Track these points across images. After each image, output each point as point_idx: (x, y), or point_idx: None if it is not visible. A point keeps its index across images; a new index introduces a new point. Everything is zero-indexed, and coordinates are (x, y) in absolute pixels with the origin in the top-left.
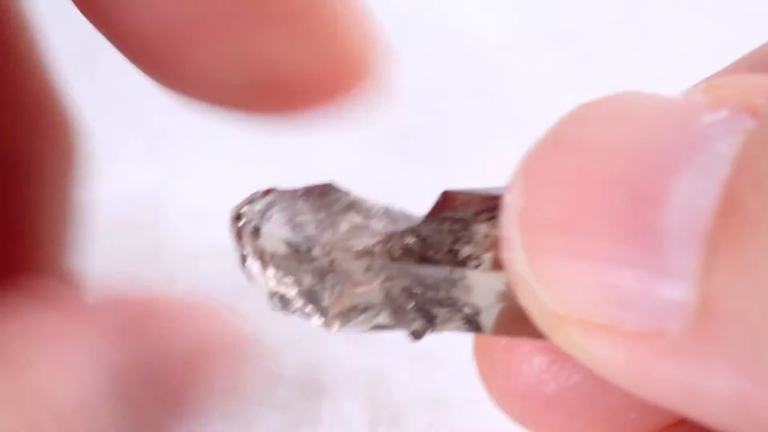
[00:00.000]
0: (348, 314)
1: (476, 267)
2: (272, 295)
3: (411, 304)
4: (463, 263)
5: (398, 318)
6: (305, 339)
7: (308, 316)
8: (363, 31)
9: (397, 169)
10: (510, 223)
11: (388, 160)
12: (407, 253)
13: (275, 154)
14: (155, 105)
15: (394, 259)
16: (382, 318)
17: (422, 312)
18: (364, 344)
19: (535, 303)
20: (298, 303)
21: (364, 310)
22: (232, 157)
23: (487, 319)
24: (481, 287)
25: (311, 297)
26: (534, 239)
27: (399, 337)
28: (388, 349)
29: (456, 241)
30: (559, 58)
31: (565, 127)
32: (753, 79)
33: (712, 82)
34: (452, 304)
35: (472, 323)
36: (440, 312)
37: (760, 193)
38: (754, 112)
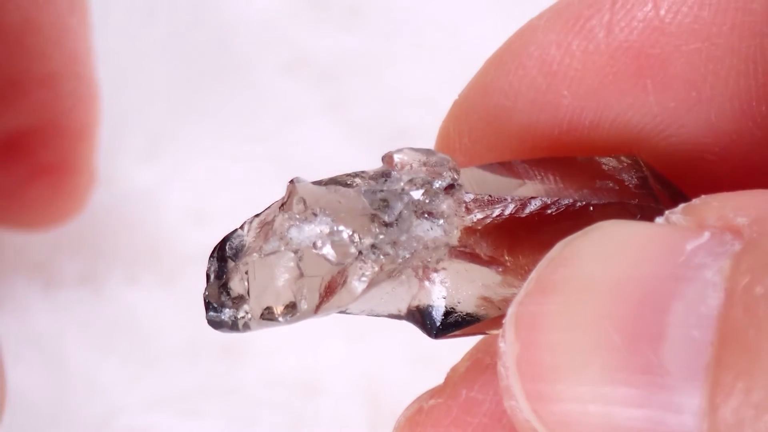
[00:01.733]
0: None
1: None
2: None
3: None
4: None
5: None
6: (305, 339)
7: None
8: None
9: None
10: (508, 372)
11: None
12: None
13: (274, 154)
14: (155, 105)
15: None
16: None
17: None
18: (364, 345)
19: None
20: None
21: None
22: (231, 158)
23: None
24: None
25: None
26: (534, 387)
27: (399, 337)
28: (388, 350)
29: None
30: None
31: (551, 270)
32: (730, 197)
33: (690, 204)
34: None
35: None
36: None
37: (755, 320)
38: (736, 232)
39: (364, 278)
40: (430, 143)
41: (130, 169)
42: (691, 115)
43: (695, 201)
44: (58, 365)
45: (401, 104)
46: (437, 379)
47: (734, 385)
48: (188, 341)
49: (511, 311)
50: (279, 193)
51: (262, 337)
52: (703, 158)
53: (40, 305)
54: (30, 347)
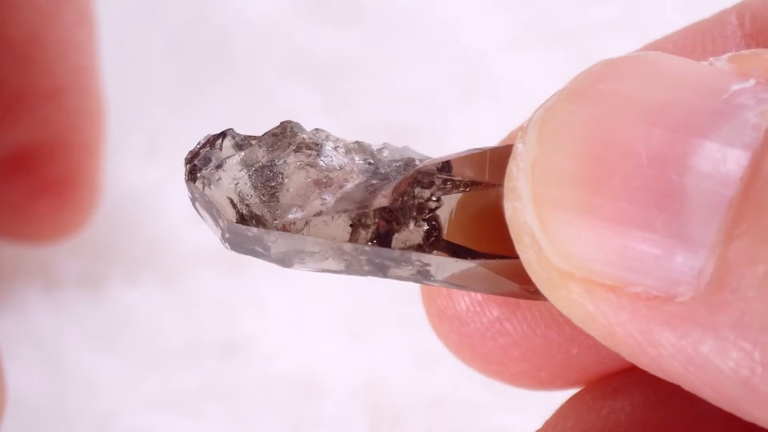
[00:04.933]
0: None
1: (436, 249)
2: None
3: (364, 259)
4: (423, 247)
5: (350, 269)
6: (306, 340)
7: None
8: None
9: None
10: (520, 173)
11: None
12: (372, 235)
13: None
14: (155, 105)
15: (358, 241)
16: (331, 263)
17: (374, 265)
18: (364, 345)
19: (536, 257)
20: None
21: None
22: None
23: (440, 272)
24: (439, 263)
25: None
26: (545, 191)
27: (399, 337)
28: (388, 350)
29: (421, 210)
30: (558, 58)
31: (588, 81)
32: None
33: (738, 53)
34: (406, 261)
35: (423, 274)
36: (392, 265)
37: None
38: None
39: (339, 147)
40: (429, 143)
41: (130, 170)
42: None
43: (743, 51)
44: (58, 365)
45: (401, 104)
46: (437, 379)
47: (757, 222)
48: (188, 341)
49: (537, 115)
50: None
51: (263, 337)
52: None
53: (40, 306)
54: (30, 347)
